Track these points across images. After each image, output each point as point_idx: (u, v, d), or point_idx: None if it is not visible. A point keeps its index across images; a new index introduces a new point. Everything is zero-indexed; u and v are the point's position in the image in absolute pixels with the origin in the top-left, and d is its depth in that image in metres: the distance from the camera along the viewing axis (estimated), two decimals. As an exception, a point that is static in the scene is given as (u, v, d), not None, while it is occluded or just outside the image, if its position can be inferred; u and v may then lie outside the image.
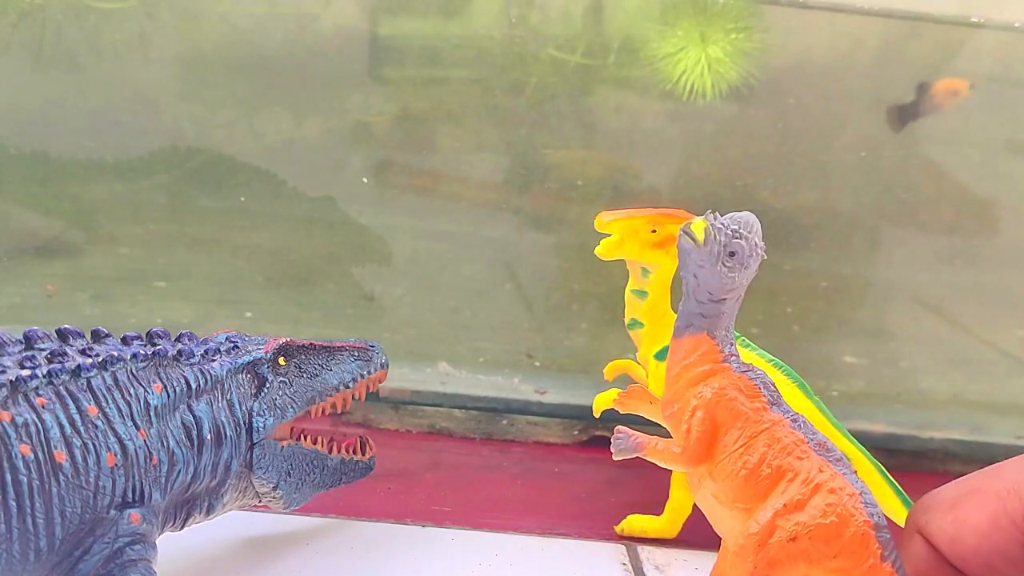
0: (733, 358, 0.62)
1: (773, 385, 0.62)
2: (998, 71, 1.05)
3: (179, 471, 0.62)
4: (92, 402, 0.58)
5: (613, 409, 0.82)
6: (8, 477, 0.53)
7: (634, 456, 0.63)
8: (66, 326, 0.61)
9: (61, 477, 0.55)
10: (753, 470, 0.59)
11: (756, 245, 0.60)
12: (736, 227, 0.60)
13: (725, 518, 0.61)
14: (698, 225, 0.60)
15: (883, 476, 0.76)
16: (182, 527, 0.66)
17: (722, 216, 0.60)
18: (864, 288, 1.09)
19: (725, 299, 0.61)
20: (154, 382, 0.62)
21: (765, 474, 0.58)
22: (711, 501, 0.61)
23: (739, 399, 0.60)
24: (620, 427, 0.63)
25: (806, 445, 0.58)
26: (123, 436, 0.59)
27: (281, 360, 0.69)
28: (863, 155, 1.05)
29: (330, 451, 0.73)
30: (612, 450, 0.62)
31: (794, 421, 0.60)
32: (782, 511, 0.57)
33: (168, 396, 0.62)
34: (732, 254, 0.60)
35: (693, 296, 0.61)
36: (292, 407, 0.69)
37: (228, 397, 0.66)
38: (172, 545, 0.65)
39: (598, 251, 0.77)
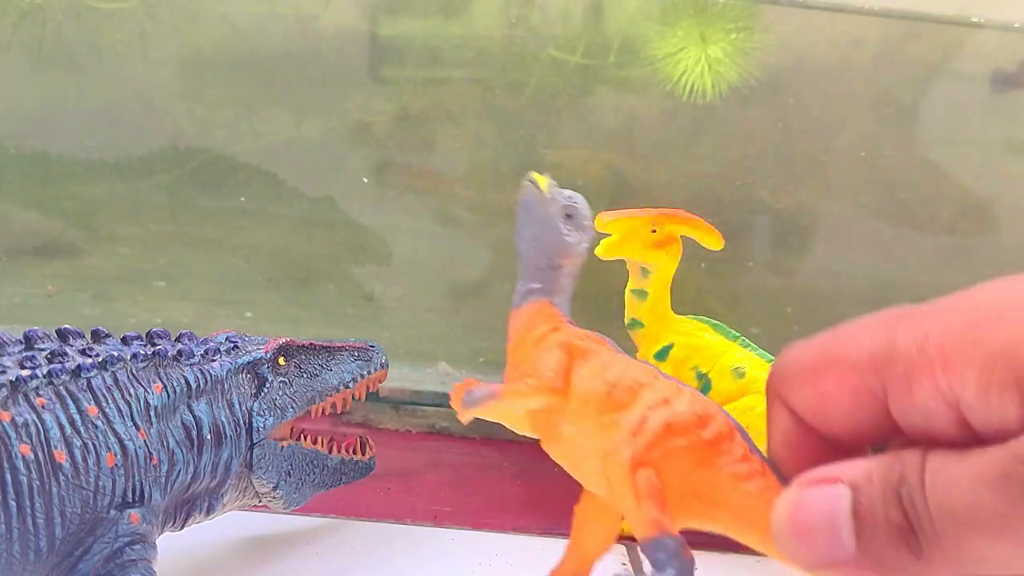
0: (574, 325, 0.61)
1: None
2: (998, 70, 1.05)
3: (179, 471, 0.62)
4: (92, 402, 0.58)
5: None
6: (8, 477, 0.53)
7: (488, 404, 0.58)
8: (66, 326, 0.61)
9: (61, 477, 0.55)
10: (615, 383, 0.57)
11: (587, 219, 0.61)
12: (570, 195, 0.61)
13: (588, 449, 0.57)
14: (540, 177, 0.60)
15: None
16: (182, 527, 0.66)
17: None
18: (864, 288, 1.09)
19: (562, 266, 0.61)
20: (154, 382, 0.62)
21: (625, 386, 0.57)
22: (571, 442, 0.59)
23: (589, 340, 0.59)
24: (468, 382, 0.58)
25: (659, 373, 0.57)
26: (123, 436, 0.59)
27: (281, 360, 0.69)
28: (863, 155, 1.05)
29: (330, 451, 0.73)
30: (460, 411, 0.58)
31: (642, 361, 0.59)
32: (653, 406, 0.55)
33: (168, 396, 0.62)
34: (569, 216, 0.60)
35: (532, 263, 0.61)
36: (292, 407, 0.69)
37: (228, 397, 0.66)
38: (172, 545, 0.65)
39: (598, 251, 0.77)
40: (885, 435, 0.44)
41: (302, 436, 0.71)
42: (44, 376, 0.57)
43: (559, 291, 0.61)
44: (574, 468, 0.60)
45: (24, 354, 0.58)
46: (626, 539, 0.83)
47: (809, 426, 0.48)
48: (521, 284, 0.61)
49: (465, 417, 0.59)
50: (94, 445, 0.57)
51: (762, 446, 0.81)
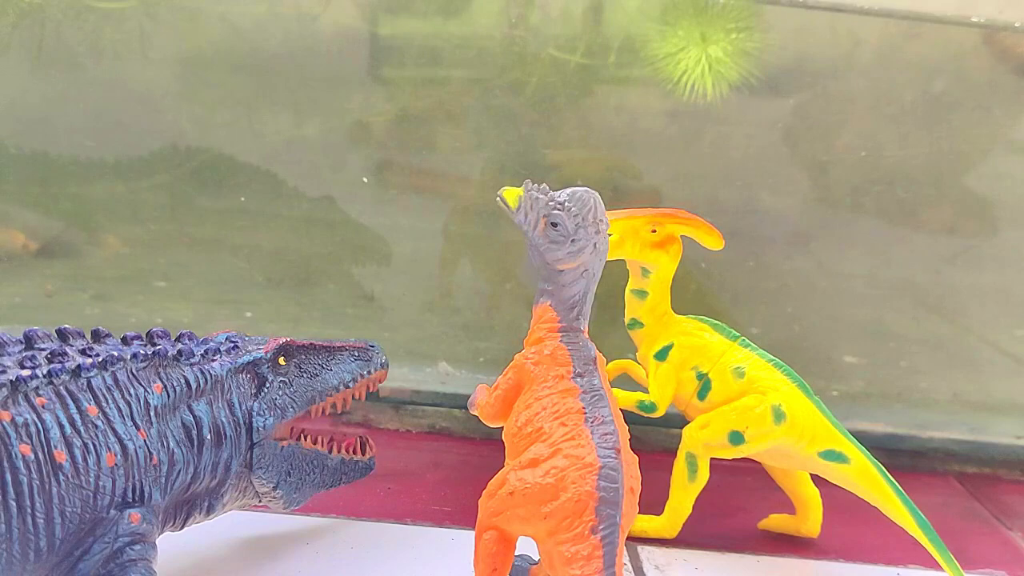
0: (571, 331, 0.62)
1: (595, 361, 0.61)
2: (998, 71, 1.05)
3: (179, 471, 0.62)
4: (92, 402, 0.58)
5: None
6: (8, 477, 0.53)
7: (473, 411, 0.66)
8: (66, 326, 0.61)
9: (61, 477, 0.55)
10: (520, 427, 0.59)
11: (587, 222, 0.60)
12: (563, 199, 0.60)
13: None
14: (511, 192, 0.61)
15: (883, 476, 0.76)
16: (182, 527, 0.66)
17: (561, 190, 0.61)
18: (864, 288, 1.09)
19: (562, 271, 0.61)
20: (154, 382, 0.62)
21: (526, 433, 0.59)
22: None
23: (544, 364, 0.60)
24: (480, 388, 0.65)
25: (579, 415, 0.58)
26: (123, 436, 0.59)
27: (281, 360, 0.69)
28: (863, 155, 1.05)
29: (330, 451, 0.74)
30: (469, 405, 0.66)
31: (587, 394, 0.59)
32: (516, 466, 0.58)
33: (168, 396, 0.63)
34: (554, 225, 0.59)
35: (538, 267, 0.62)
36: (292, 407, 0.69)
37: (228, 397, 0.66)
38: (172, 545, 0.65)
39: (598, 251, 0.77)
40: None
41: (302, 436, 0.71)
42: (44, 376, 0.57)
43: (563, 294, 0.62)
44: None
45: (24, 354, 0.58)
46: (627, 539, 0.83)
47: None
48: (539, 283, 0.64)
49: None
50: (94, 445, 0.57)
51: (757, 445, 0.81)
